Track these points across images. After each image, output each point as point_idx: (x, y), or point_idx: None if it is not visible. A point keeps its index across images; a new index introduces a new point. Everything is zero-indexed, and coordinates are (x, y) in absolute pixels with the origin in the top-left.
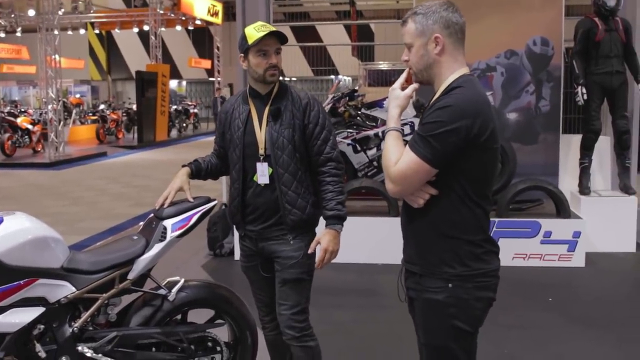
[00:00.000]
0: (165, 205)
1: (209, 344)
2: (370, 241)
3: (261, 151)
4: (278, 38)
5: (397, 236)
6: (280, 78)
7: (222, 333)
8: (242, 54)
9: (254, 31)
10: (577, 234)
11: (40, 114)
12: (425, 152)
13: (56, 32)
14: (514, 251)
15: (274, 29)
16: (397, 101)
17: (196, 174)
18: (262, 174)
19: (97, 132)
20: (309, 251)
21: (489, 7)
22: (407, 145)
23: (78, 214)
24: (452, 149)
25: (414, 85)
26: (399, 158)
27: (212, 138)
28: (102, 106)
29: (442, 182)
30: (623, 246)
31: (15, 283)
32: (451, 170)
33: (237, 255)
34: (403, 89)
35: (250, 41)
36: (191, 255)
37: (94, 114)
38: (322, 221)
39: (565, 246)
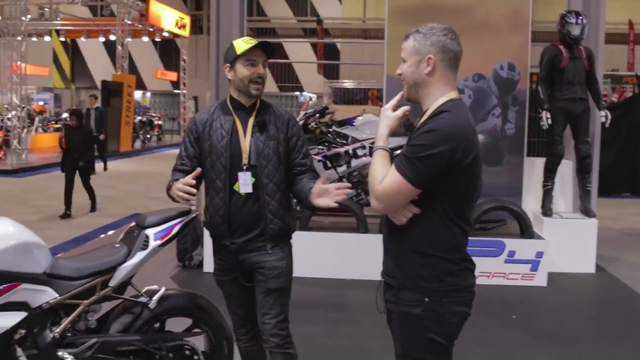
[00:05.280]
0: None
1: (187, 352)
2: (338, 256)
3: (244, 161)
4: (265, 52)
5: (365, 252)
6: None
7: (199, 342)
8: (229, 64)
9: (243, 43)
10: (539, 254)
11: (2, 120)
12: (410, 173)
13: (19, 38)
14: (479, 269)
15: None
16: (387, 121)
17: None
18: (245, 183)
19: (60, 140)
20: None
21: (459, 32)
22: (393, 165)
23: (41, 223)
24: (435, 172)
25: (405, 108)
26: (384, 177)
27: (176, 151)
28: (65, 114)
29: (424, 202)
30: (583, 267)
31: None
32: (434, 191)
33: (206, 267)
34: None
35: (239, 51)
36: (160, 266)
37: (56, 122)
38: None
39: (528, 265)
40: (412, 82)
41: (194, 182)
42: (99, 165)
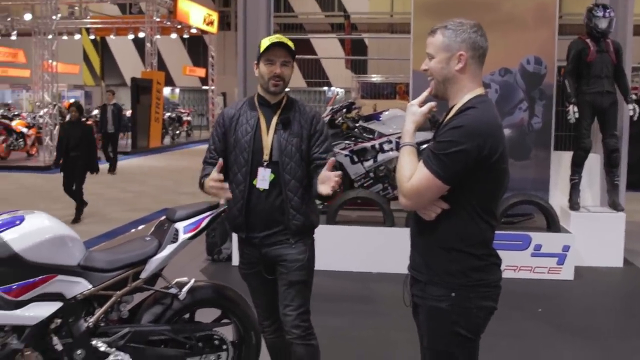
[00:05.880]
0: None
1: (216, 342)
2: (365, 250)
3: (265, 157)
4: (287, 50)
5: (391, 246)
6: (287, 89)
7: (227, 332)
8: (256, 62)
9: (267, 41)
10: (566, 248)
11: (34, 117)
12: (438, 169)
13: (50, 36)
14: (505, 263)
15: (287, 41)
16: (413, 117)
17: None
18: (263, 179)
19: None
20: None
21: (485, 26)
22: (421, 162)
23: (73, 218)
24: (463, 168)
25: (431, 103)
26: (412, 173)
27: (205, 146)
28: (95, 111)
29: (452, 198)
30: (611, 261)
31: (35, 278)
32: (462, 187)
33: (235, 260)
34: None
35: (262, 49)
36: (190, 259)
37: (87, 119)
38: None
39: (554, 259)
40: (441, 78)
41: (221, 176)
42: (104, 167)
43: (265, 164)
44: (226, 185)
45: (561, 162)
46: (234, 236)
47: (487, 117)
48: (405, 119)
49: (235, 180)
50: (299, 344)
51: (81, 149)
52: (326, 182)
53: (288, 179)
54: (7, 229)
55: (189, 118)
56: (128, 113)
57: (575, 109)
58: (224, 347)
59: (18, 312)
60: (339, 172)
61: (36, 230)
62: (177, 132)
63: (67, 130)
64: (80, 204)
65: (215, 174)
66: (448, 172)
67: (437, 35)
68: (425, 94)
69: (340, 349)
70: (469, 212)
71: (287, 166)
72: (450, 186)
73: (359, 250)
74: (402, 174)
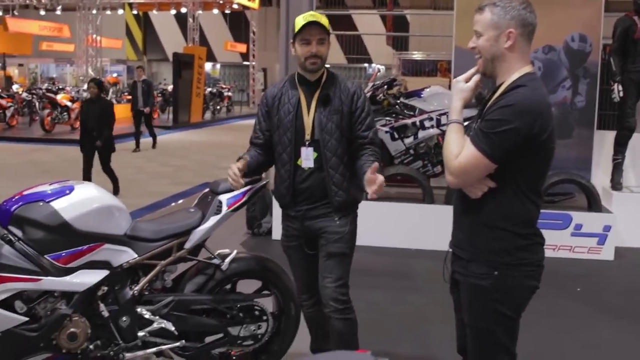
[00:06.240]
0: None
1: (256, 312)
2: (404, 226)
3: (307, 136)
4: (322, 28)
5: (430, 223)
6: (327, 66)
7: (268, 303)
8: (292, 41)
9: (301, 20)
10: (607, 228)
11: (78, 91)
12: (487, 147)
13: (94, 11)
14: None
15: (320, 19)
16: (460, 94)
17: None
18: (307, 158)
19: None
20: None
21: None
22: (469, 140)
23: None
24: (512, 146)
25: (476, 77)
26: (460, 151)
27: (245, 122)
28: None
29: (499, 176)
30: None
31: (83, 247)
32: (509, 166)
33: (274, 234)
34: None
35: (296, 29)
36: (230, 233)
37: (129, 93)
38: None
39: (595, 239)
40: (489, 56)
41: (240, 167)
42: (147, 141)
43: (307, 143)
44: (241, 181)
45: (604, 141)
46: (275, 211)
47: (537, 96)
48: (452, 96)
49: (281, 160)
50: (337, 318)
51: (100, 128)
52: (371, 185)
53: (329, 156)
54: (57, 198)
55: (229, 93)
56: (170, 88)
57: (620, 87)
58: (264, 317)
59: (67, 278)
60: (382, 178)
61: (85, 199)
62: (218, 107)
63: (86, 109)
64: (114, 179)
65: (239, 164)
66: (497, 150)
67: (486, 12)
68: (472, 71)
69: (379, 324)
70: (515, 191)
71: (327, 143)
72: (498, 165)
73: (398, 227)
74: (449, 151)
